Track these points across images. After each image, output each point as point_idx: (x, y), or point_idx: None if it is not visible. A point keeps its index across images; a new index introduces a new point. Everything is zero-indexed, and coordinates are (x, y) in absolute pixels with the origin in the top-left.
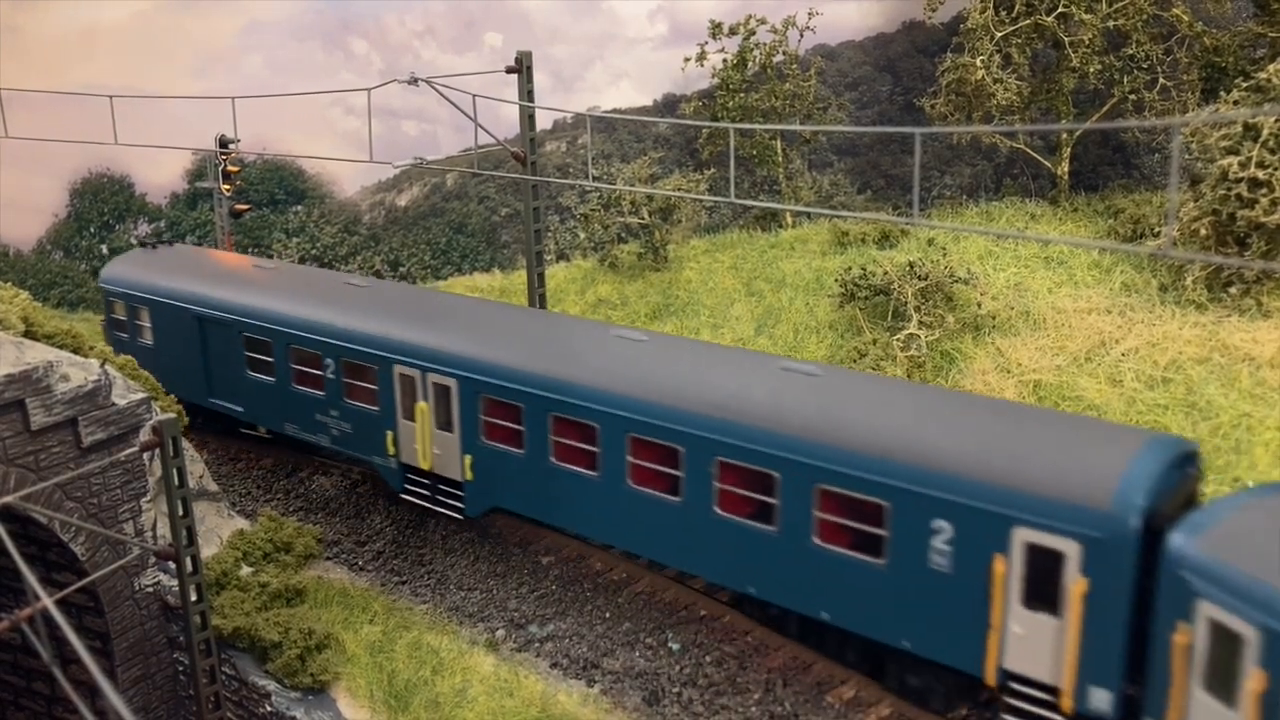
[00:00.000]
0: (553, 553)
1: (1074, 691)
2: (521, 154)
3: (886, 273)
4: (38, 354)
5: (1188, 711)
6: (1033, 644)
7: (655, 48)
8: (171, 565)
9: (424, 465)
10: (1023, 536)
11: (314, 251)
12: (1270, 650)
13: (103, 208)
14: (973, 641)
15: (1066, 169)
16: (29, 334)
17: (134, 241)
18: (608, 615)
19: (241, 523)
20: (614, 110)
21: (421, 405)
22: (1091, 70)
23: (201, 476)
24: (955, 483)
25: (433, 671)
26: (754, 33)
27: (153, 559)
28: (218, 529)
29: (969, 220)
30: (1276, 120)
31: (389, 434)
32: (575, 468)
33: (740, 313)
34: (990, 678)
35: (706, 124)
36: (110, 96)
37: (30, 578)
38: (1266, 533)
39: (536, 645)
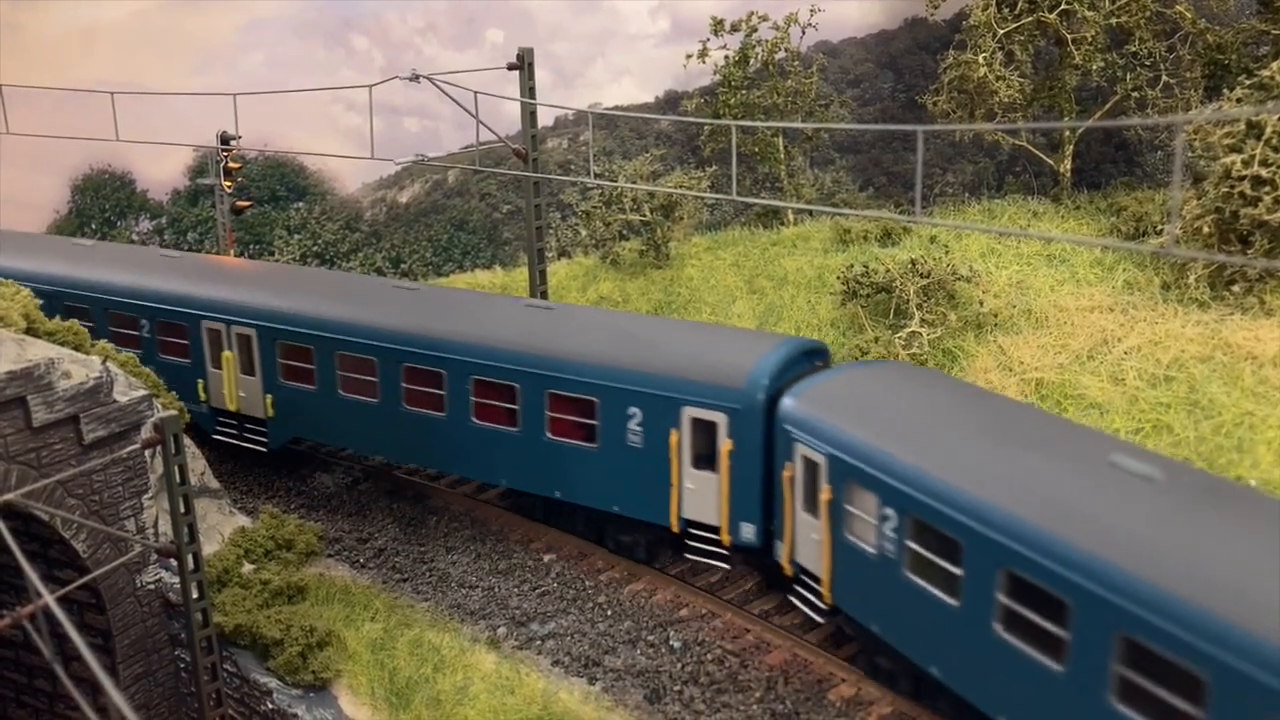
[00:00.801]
0: (554, 550)
1: (729, 528)
2: (523, 151)
3: (888, 270)
4: (39, 351)
5: (795, 529)
6: (701, 496)
7: (657, 45)
8: (173, 562)
9: (231, 407)
10: (689, 413)
11: (315, 248)
12: (833, 470)
13: (104, 204)
14: (661, 500)
15: (1069, 166)
16: (30, 331)
17: (134, 238)
18: (609, 613)
19: (243, 520)
20: (615, 107)
21: (227, 354)
22: (1094, 67)
23: (203, 474)
24: (643, 378)
25: (434, 669)
26: (756, 30)
27: (154, 556)
28: (219, 526)
29: (971, 218)
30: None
31: (200, 382)
32: (361, 397)
33: (742, 310)
34: (675, 526)
35: (708, 121)
36: (111, 93)
37: (32, 575)
38: (842, 393)
39: (538, 643)
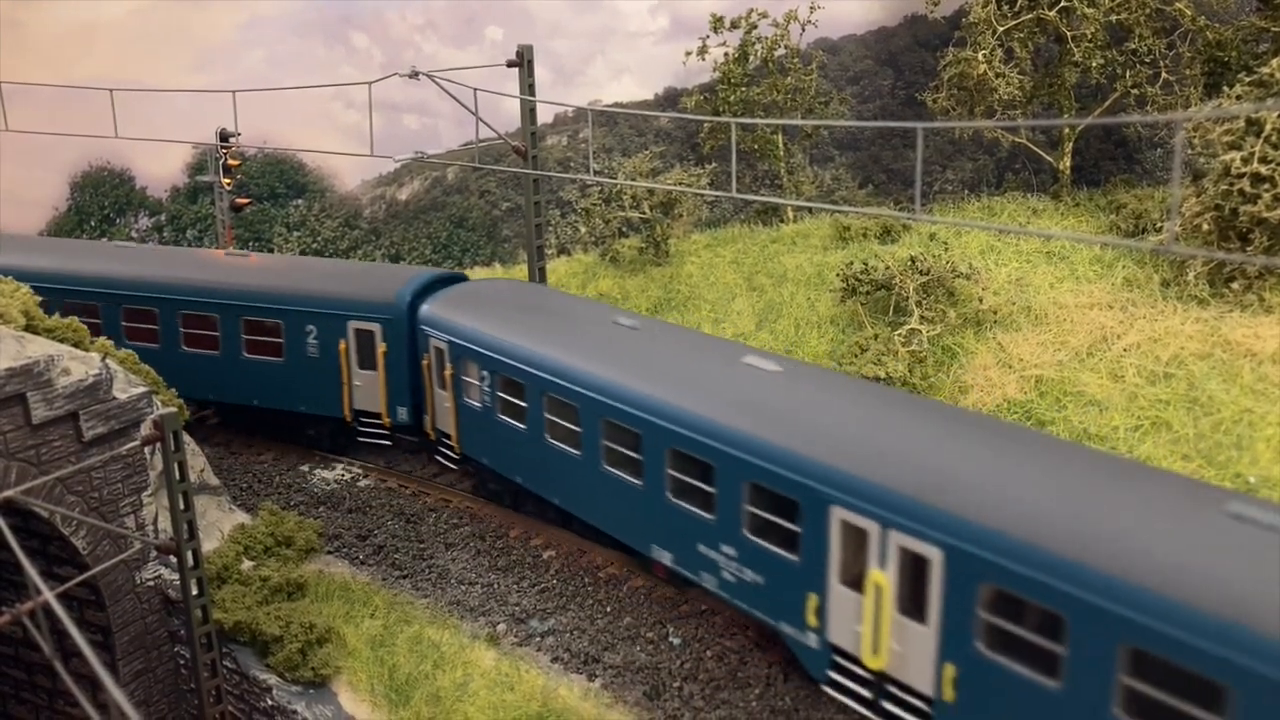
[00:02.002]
0: (554, 547)
1: (388, 413)
2: (522, 148)
3: (888, 268)
4: (39, 348)
5: (434, 403)
6: (366, 390)
7: (656, 42)
8: (172, 559)
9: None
10: (353, 326)
11: (315, 246)
12: (452, 352)
13: (103, 201)
14: (336, 397)
15: (1068, 164)
16: (30, 328)
17: (133, 235)
18: (609, 610)
19: (242, 517)
20: (615, 104)
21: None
22: (1094, 65)
23: (202, 470)
24: (316, 301)
25: (434, 666)
26: (755, 27)
27: (154, 553)
28: (219, 523)
29: (970, 215)
30: (1279, 115)
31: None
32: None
33: (741, 307)
34: (348, 416)
35: (708, 118)
36: (111, 90)
37: (31, 572)
38: (461, 299)
39: (537, 640)
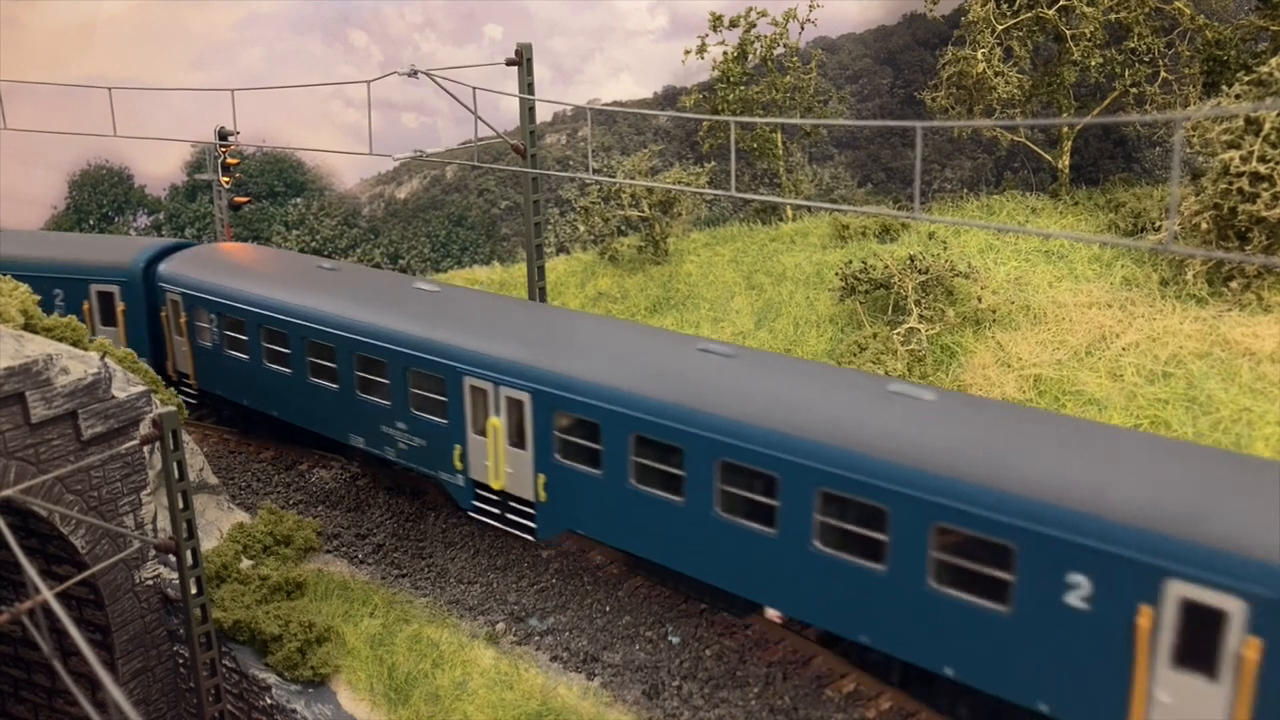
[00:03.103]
0: (553, 546)
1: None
2: (521, 147)
3: (887, 266)
4: (37, 347)
5: (173, 348)
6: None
7: (655, 40)
8: (171, 558)
9: None
10: (95, 289)
11: (313, 244)
12: (185, 302)
13: (101, 199)
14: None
15: (1067, 162)
16: (28, 327)
17: (132, 233)
18: (608, 609)
19: (241, 516)
20: (614, 103)
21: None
22: (1093, 63)
23: (201, 469)
24: (61, 268)
25: (433, 664)
26: (754, 25)
27: (153, 552)
28: (218, 522)
29: (969, 214)
30: (1278, 114)
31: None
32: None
33: (740, 306)
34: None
35: (707, 117)
36: (109, 89)
37: (30, 571)
38: (191, 261)
39: (536, 638)
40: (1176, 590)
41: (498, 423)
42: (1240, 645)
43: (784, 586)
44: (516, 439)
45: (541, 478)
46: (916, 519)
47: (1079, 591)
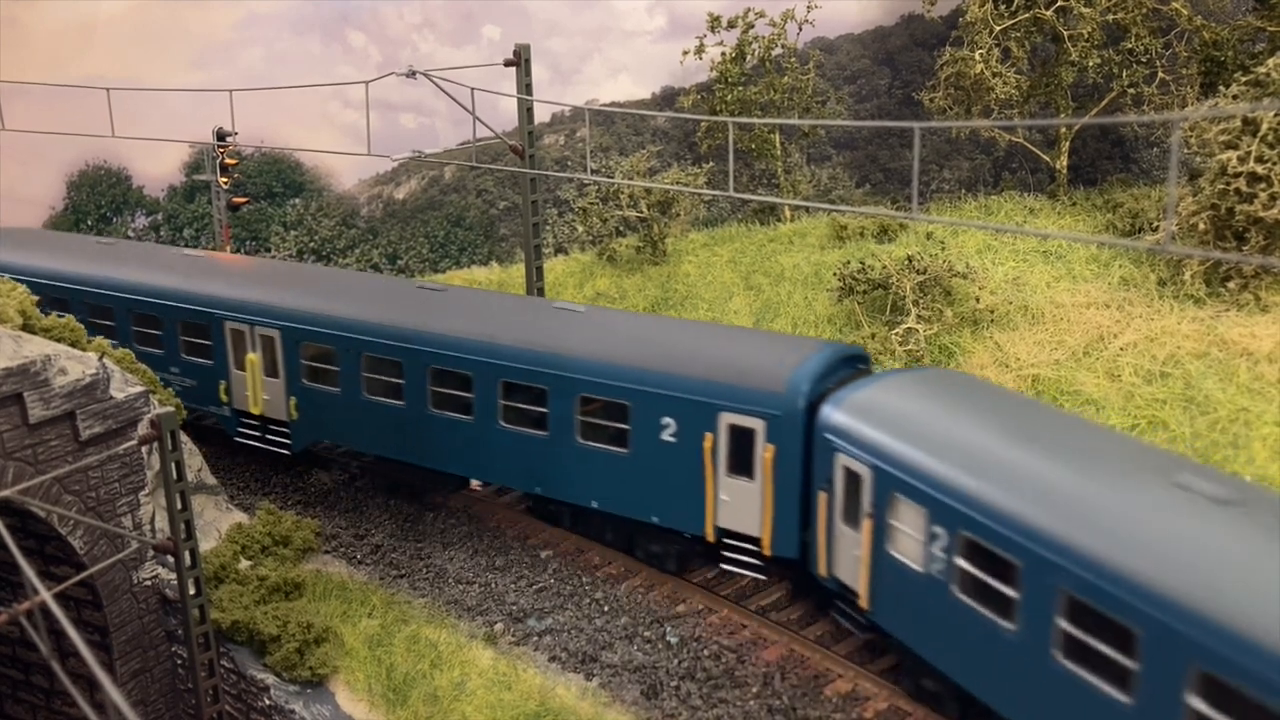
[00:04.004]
0: (551, 546)
1: None
2: (520, 147)
3: (885, 267)
4: (35, 347)
5: None
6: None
7: (653, 41)
8: (170, 559)
9: None
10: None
11: (312, 244)
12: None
13: (100, 200)
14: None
15: (1065, 163)
16: (27, 327)
17: (131, 234)
18: (606, 609)
19: (240, 516)
20: (612, 104)
21: None
22: (1090, 64)
23: (200, 470)
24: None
25: (431, 665)
26: (752, 26)
27: (151, 553)
28: (216, 522)
29: (967, 214)
30: (1275, 115)
31: None
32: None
33: (739, 306)
34: None
35: (705, 118)
36: (108, 89)
37: (28, 572)
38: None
39: (535, 639)
40: (726, 419)
41: (254, 357)
42: (765, 453)
43: (481, 461)
44: (271, 370)
45: (293, 400)
46: (570, 393)
47: (669, 430)
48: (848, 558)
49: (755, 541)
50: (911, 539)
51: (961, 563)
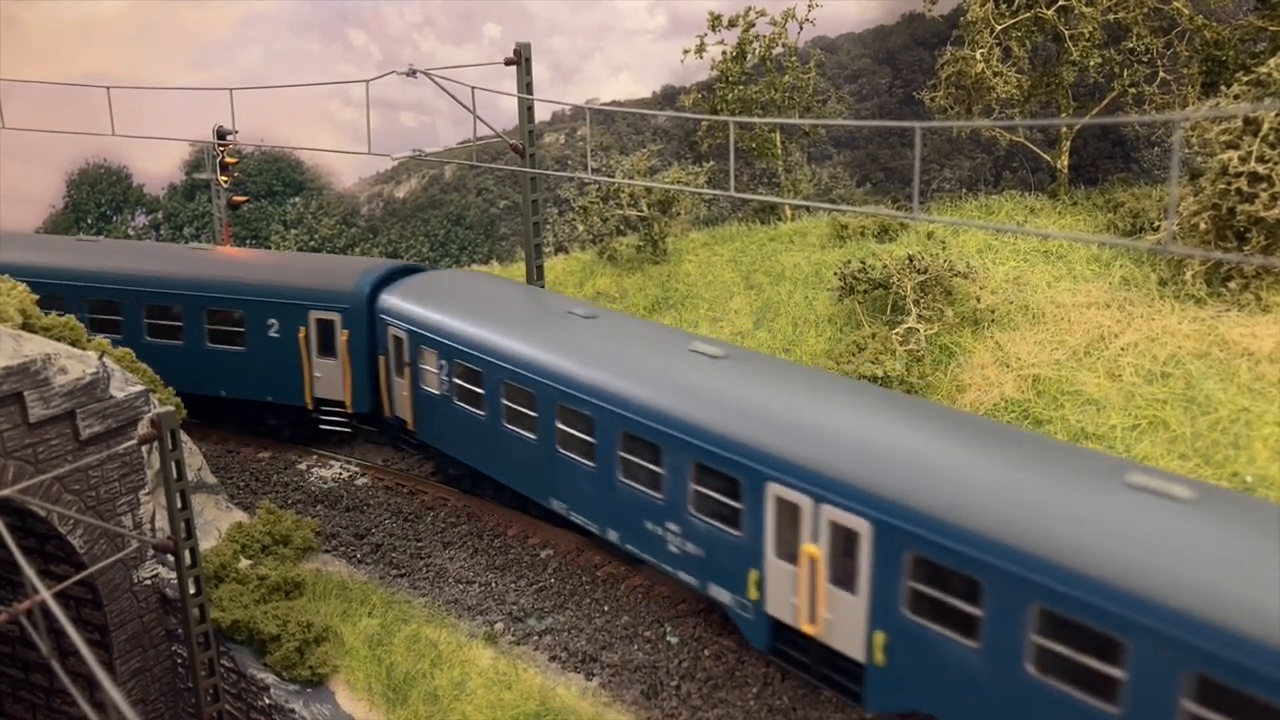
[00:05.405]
0: (551, 546)
1: None
2: (520, 146)
3: (885, 266)
4: (36, 346)
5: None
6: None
7: (654, 40)
8: (170, 558)
9: None
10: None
11: (312, 243)
12: None
13: (100, 199)
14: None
15: (1066, 162)
16: (27, 326)
17: (130, 232)
18: (606, 609)
19: (240, 515)
20: (613, 102)
21: None
22: (1091, 63)
23: (200, 469)
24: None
25: (431, 664)
26: (753, 25)
27: (151, 552)
28: (216, 521)
29: (968, 214)
30: (1277, 115)
31: None
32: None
33: (739, 306)
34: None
35: (706, 117)
36: (108, 88)
37: (28, 571)
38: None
39: (535, 638)
40: (313, 315)
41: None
42: (342, 337)
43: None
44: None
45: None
46: (199, 308)
47: (274, 328)
48: (400, 399)
49: (342, 405)
50: (433, 374)
51: (458, 381)
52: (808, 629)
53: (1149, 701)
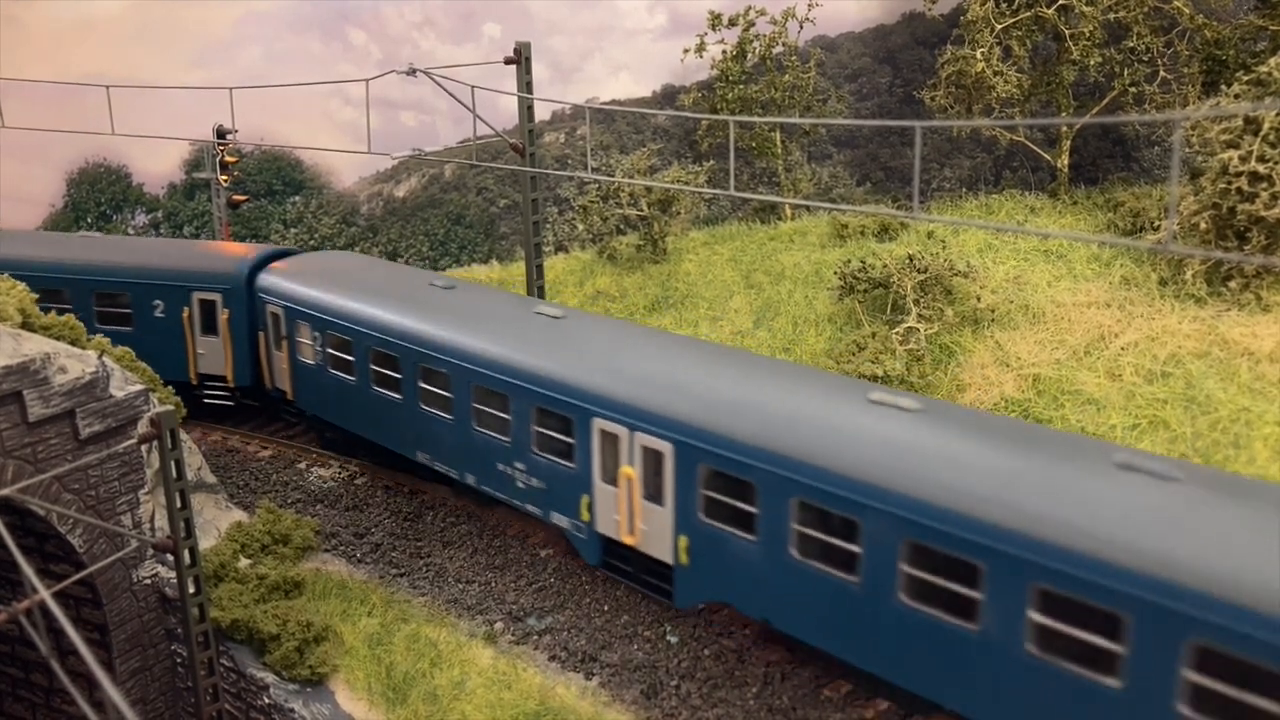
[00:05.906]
0: (551, 546)
1: None
2: (520, 146)
3: (886, 265)
4: (35, 345)
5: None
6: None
7: (654, 39)
8: (169, 557)
9: None
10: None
11: (312, 242)
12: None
13: (99, 198)
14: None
15: (1066, 162)
16: (26, 325)
17: (130, 231)
18: (606, 608)
19: (239, 515)
20: (613, 102)
21: None
22: (1092, 63)
23: (199, 468)
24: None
25: (431, 664)
26: (753, 24)
27: (151, 551)
28: (215, 521)
29: (968, 213)
30: (1277, 114)
31: None
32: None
33: (739, 305)
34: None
35: (706, 116)
36: (107, 87)
37: (28, 570)
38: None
39: (535, 638)
40: (196, 296)
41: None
42: (223, 315)
43: None
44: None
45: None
46: (89, 290)
47: (160, 309)
48: (279, 371)
49: (224, 379)
50: (308, 346)
51: (331, 351)
52: (628, 540)
53: (878, 582)
